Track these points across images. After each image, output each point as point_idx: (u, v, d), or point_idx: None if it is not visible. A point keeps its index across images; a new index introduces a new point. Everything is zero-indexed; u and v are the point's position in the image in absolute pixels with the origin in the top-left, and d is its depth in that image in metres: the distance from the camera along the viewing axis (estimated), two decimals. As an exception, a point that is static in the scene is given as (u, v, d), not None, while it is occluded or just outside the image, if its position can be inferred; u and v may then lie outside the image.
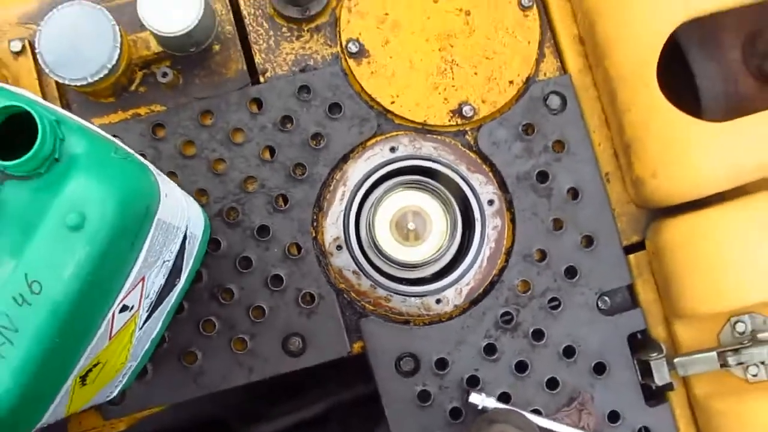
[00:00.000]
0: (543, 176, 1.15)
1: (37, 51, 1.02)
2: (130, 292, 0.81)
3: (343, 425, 1.53)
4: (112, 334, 0.82)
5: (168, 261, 0.89)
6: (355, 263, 1.14)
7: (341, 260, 1.14)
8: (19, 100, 0.72)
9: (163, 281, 0.90)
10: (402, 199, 1.17)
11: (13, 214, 0.70)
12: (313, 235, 1.14)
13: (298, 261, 1.13)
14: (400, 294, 1.14)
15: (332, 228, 1.14)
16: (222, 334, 1.11)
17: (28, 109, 0.70)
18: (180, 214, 0.88)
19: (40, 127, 0.69)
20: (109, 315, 0.78)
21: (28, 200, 0.70)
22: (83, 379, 0.81)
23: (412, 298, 1.14)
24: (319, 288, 1.12)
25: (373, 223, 1.13)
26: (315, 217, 1.14)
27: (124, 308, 0.81)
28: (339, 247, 1.14)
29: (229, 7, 1.16)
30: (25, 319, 0.67)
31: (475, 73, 1.16)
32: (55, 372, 0.73)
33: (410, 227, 1.16)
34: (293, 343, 1.12)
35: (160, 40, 1.05)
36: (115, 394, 1.00)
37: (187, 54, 1.11)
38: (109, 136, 0.78)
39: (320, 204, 1.15)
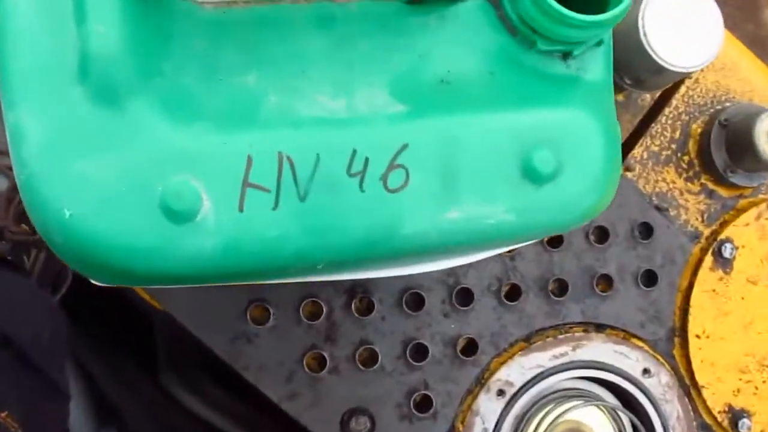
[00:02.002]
0: None
1: None
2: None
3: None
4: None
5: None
6: (494, 427, 0.79)
7: (487, 404, 0.79)
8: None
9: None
10: (598, 421, 0.82)
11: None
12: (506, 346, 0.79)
13: (464, 363, 0.77)
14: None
15: (516, 368, 0.79)
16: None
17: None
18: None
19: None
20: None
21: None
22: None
23: None
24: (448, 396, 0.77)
25: (547, 425, 0.79)
26: (512, 343, 0.80)
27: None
28: (500, 392, 0.79)
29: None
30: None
31: (788, 406, 0.83)
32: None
33: (570, 451, 0.81)
34: (361, 423, 0.75)
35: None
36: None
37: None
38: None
39: (530, 338, 0.81)
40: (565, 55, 0.39)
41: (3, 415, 0.46)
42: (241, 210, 0.31)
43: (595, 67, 0.39)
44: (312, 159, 0.32)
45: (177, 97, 0.32)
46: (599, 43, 0.39)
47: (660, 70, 0.71)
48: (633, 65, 0.74)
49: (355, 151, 0.32)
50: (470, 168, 0.34)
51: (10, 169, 0.61)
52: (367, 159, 0.32)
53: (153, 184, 0.31)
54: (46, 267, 0.61)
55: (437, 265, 0.42)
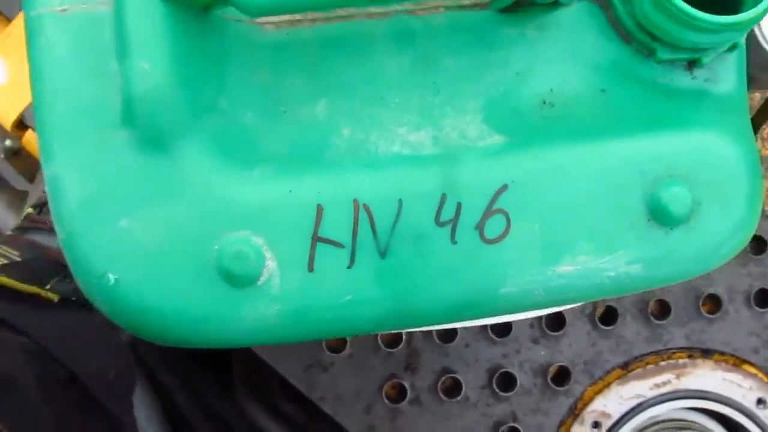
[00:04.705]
0: None
1: None
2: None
3: None
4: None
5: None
6: (591, 461, 0.71)
7: (581, 438, 0.72)
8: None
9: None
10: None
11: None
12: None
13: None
14: None
15: (613, 398, 0.72)
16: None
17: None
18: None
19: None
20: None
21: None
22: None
23: None
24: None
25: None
26: (609, 370, 0.73)
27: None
28: (596, 425, 0.72)
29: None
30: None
31: None
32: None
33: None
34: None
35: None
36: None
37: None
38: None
39: (628, 365, 0.73)
40: (691, 64, 0.32)
41: None
42: (310, 270, 0.26)
43: (728, 76, 0.32)
44: (393, 206, 0.26)
45: (234, 137, 0.27)
46: (732, 48, 0.32)
47: (777, 66, 0.62)
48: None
49: (444, 196, 0.26)
50: (584, 211, 0.27)
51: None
52: (459, 204, 0.26)
53: (209, 243, 0.26)
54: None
55: (533, 313, 0.36)
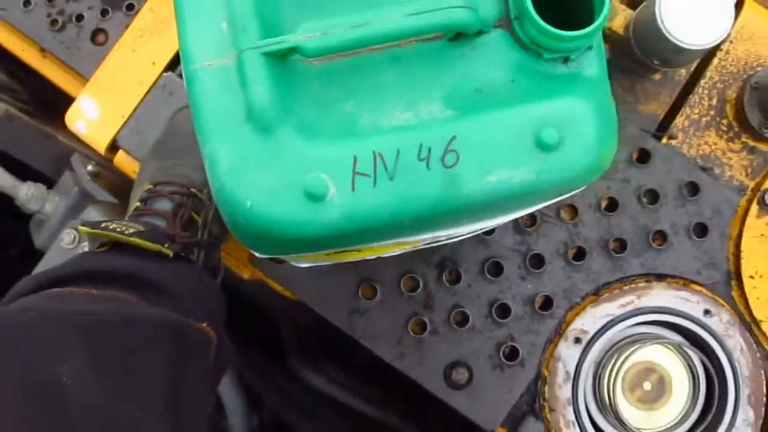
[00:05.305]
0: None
1: None
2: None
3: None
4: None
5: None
6: (575, 370, 0.93)
7: (566, 351, 0.93)
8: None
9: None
10: (669, 360, 0.95)
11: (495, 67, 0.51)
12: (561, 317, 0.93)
13: (543, 316, 0.92)
14: (582, 432, 0.92)
15: (589, 318, 0.93)
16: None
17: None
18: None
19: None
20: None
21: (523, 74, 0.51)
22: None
23: (588, 447, 0.92)
24: (531, 347, 0.92)
25: (622, 365, 0.92)
26: (583, 296, 0.94)
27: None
28: (577, 340, 0.93)
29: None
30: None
31: None
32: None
33: (645, 387, 0.94)
34: (461, 374, 0.92)
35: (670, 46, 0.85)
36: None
37: (645, 64, 0.91)
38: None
39: (598, 291, 0.94)
40: (566, 60, 0.54)
41: (203, 324, 0.66)
42: (353, 190, 0.50)
43: (591, 65, 0.55)
44: (395, 153, 0.50)
45: (305, 124, 0.51)
46: (590, 48, 0.55)
47: (680, 50, 0.85)
48: (658, 49, 0.88)
49: (421, 144, 0.50)
50: (500, 146, 0.50)
51: (172, 193, 0.82)
52: (429, 149, 0.50)
53: (298, 179, 0.50)
54: (205, 263, 0.82)
55: (489, 224, 0.59)
